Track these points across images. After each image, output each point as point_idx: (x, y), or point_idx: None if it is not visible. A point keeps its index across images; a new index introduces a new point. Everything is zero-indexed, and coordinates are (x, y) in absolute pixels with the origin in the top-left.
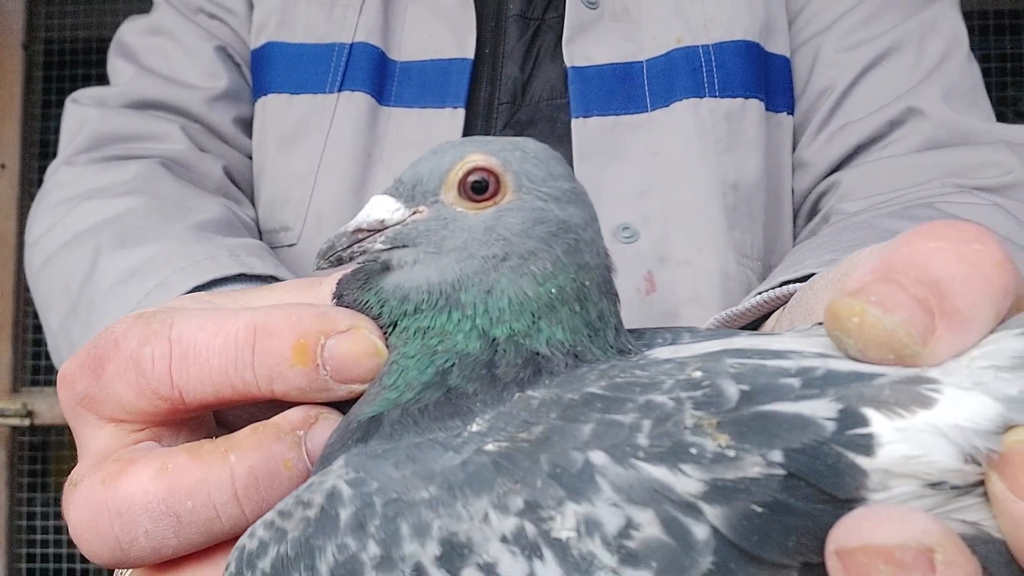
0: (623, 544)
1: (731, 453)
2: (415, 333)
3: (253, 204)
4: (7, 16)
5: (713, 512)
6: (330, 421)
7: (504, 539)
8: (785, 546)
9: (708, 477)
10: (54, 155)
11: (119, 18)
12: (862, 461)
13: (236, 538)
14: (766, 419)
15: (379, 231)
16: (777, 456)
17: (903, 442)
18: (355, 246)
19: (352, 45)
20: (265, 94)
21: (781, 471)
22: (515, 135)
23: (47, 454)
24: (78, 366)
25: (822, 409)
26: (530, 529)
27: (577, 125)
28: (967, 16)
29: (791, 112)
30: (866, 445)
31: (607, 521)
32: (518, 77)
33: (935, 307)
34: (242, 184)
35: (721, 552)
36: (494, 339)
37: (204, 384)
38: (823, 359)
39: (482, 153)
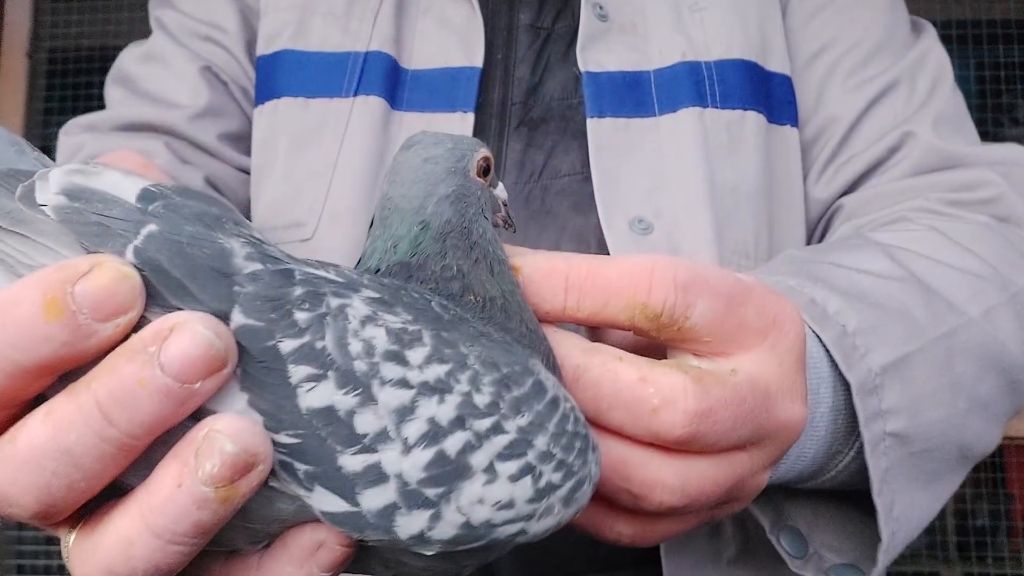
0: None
1: None
2: None
3: (242, 210)
4: (11, 25)
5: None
6: (187, 330)
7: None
8: None
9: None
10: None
11: (123, 27)
12: None
13: (126, 466)
14: None
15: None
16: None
17: None
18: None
19: (367, 54)
20: (277, 97)
21: None
22: (529, 132)
23: None
24: None
25: None
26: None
27: (592, 124)
28: (961, 25)
29: (795, 125)
30: None
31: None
32: (530, 80)
33: None
34: (226, 192)
35: None
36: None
37: None
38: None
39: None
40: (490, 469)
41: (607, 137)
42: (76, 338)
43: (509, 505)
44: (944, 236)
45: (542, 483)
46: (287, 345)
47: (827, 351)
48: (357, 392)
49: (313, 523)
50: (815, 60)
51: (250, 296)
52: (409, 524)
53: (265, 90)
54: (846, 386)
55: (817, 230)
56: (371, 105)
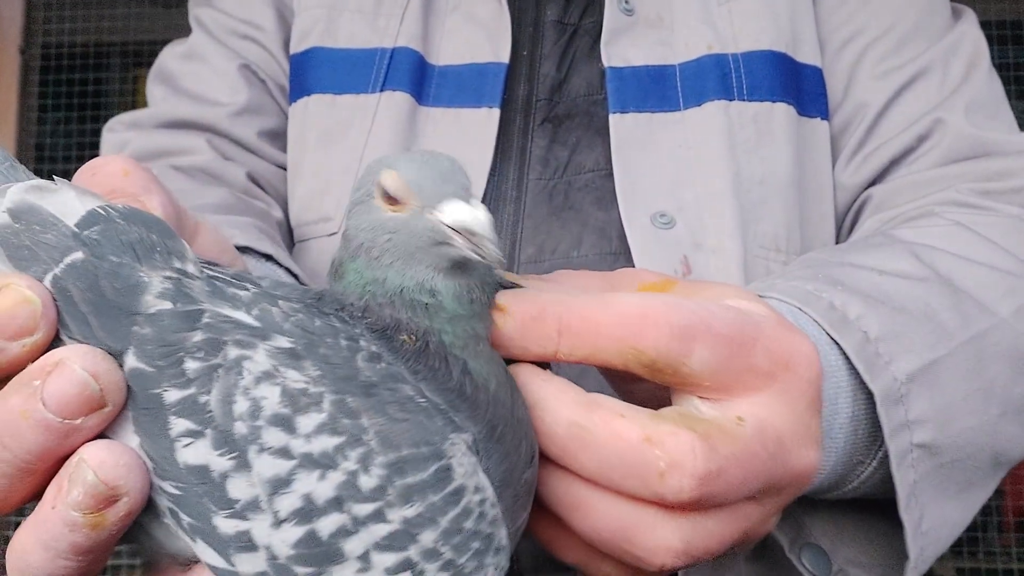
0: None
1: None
2: None
3: (282, 206)
4: (4, 20)
5: None
6: (66, 368)
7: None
8: None
9: None
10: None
11: (117, 23)
12: None
13: (36, 484)
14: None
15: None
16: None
17: None
18: None
19: (394, 50)
20: (308, 95)
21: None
22: (554, 128)
23: None
24: None
25: None
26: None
27: (615, 120)
28: None
29: (825, 118)
30: None
31: None
32: (555, 76)
33: None
34: (268, 189)
35: None
36: None
37: None
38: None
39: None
40: (365, 558)
41: (629, 132)
42: None
43: None
44: (972, 231)
45: None
46: (172, 395)
47: (846, 358)
48: (233, 455)
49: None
50: (845, 47)
51: (146, 338)
52: None
53: (297, 88)
54: (867, 394)
55: (846, 221)
56: (397, 100)
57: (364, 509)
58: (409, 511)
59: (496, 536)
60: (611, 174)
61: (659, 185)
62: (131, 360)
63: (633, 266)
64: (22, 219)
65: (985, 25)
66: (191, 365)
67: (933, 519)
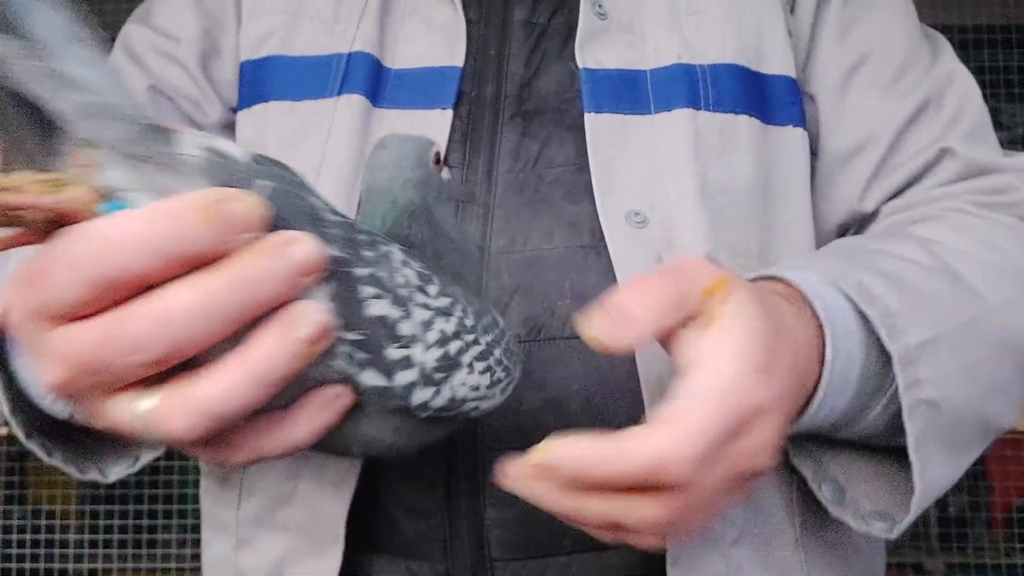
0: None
1: None
2: None
3: None
4: None
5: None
6: (306, 240)
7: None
8: None
9: None
10: None
11: (106, 19)
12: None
13: (225, 335)
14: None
15: None
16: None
17: None
18: None
19: (350, 54)
20: (265, 101)
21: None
22: (524, 123)
23: (25, 464)
24: (21, 283)
25: None
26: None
27: (590, 119)
28: (948, 29)
29: (799, 125)
30: None
31: None
32: (524, 74)
33: None
34: None
35: None
36: None
37: (131, 262)
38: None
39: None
40: (471, 366)
41: (604, 133)
42: (220, 241)
43: (476, 388)
44: (973, 231)
45: (496, 377)
46: (359, 272)
47: (862, 325)
48: (402, 309)
49: (333, 384)
50: (848, 75)
51: (335, 236)
52: (420, 395)
53: (252, 94)
54: (878, 354)
55: (850, 231)
56: (353, 103)
57: (469, 337)
58: (488, 337)
59: (518, 352)
60: (580, 169)
61: (633, 185)
62: (330, 250)
63: (606, 261)
64: (220, 155)
65: (976, 29)
66: (367, 254)
67: (932, 468)
